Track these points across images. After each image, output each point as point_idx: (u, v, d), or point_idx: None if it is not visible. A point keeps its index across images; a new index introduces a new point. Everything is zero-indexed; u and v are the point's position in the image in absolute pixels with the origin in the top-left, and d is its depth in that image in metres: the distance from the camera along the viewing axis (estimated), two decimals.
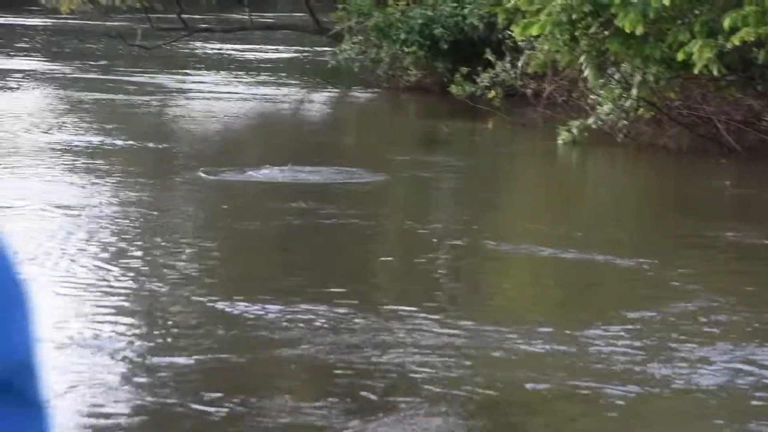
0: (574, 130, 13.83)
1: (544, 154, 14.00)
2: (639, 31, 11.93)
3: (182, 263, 8.01)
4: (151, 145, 13.34)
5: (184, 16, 21.89)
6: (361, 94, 19.81)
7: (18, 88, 18.55)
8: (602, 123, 13.77)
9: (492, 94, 16.58)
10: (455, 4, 18.54)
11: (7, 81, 19.38)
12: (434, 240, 8.97)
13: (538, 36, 13.72)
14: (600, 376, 5.90)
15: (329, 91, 20.15)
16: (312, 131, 16.31)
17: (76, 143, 12.99)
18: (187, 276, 7.69)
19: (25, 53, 24.02)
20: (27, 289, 0.74)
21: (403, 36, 18.50)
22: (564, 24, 12.66)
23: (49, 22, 27.33)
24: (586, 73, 13.35)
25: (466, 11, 18.30)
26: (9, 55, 23.52)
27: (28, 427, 0.71)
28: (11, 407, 0.70)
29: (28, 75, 20.46)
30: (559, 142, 13.84)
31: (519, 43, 16.73)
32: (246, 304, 6.89)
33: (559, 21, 12.78)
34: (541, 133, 14.95)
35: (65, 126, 14.61)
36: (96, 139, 13.38)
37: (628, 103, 13.49)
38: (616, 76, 13.52)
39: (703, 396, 5.73)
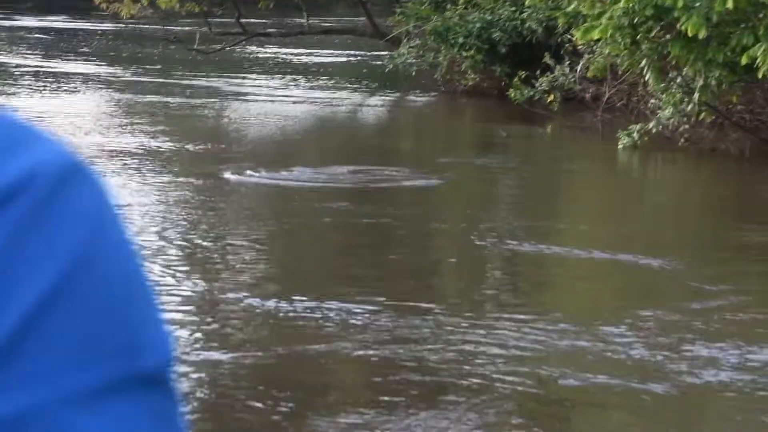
0: (635, 135, 13.71)
1: (604, 158, 13.89)
2: (702, 34, 11.79)
3: (226, 261, 8.08)
4: (203, 146, 13.41)
5: (242, 20, 21.97)
6: (418, 98, 19.78)
7: (78, 91, 18.73)
8: (663, 127, 13.65)
9: (550, 98, 16.49)
10: (514, 8, 18.46)
11: (69, 83, 19.57)
12: (482, 241, 8.94)
13: (598, 40, 13.63)
14: (633, 372, 5.90)
15: (386, 95, 20.15)
16: (368, 134, 16.32)
17: (132, 144, 13.11)
18: (230, 274, 7.76)
19: (85, 57, 24.23)
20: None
21: (461, 40, 18.45)
22: (625, 28, 12.55)
23: (110, 26, 27.62)
24: (648, 77, 13.23)
25: (524, 15, 18.20)
26: (70, 59, 23.74)
27: (179, 421, 0.70)
28: (167, 403, 0.70)
29: (89, 78, 20.64)
30: (620, 146, 13.72)
31: (578, 47, 16.66)
32: (289, 301, 6.99)
33: (621, 25, 12.66)
34: (601, 137, 14.84)
35: (122, 128, 14.73)
36: (150, 141, 13.47)
37: (689, 108, 13.35)
38: (678, 80, 13.38)
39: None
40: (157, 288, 7.02)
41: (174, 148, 13.05)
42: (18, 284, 0.66)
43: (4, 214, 0.67)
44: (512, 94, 16.80)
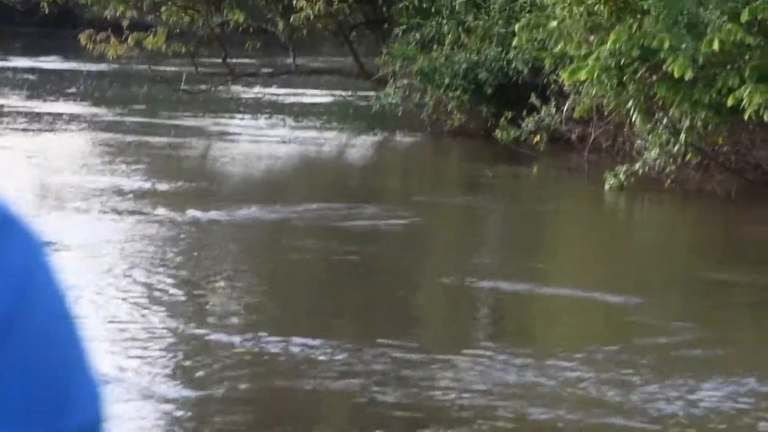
0: (621, 175, 13.72)
1: (590, 198, 13.90)
2: (688, 76, 11.83)
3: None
4: (182, 184, 13.40)
5: (228, 60, 22.00)
6: (404, 138, 19.81)
7: (60, 131, 18.70)
8: (649, 168, 13.66)
9: (536, 138, 16.50)
10: (500, 49, 18.50)
11: (51, 123, 19.55)
12: (454, 280, 8.92)
13: (584, 81, 13.65)
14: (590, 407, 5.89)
15: (372, 135, 20.16)
16: (352, 173, 16.31)
17: (106, 183, 13.11)
18: (196, 311, 7.75)
19: (70, 97, 24.21)
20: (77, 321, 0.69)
21: (447, 80, 18.48)
22: (612, 69, 12.59)
23: (96, 67, 27.62)
24: (634, 117, 13.25)
25: (510, 56, 18.24)
26: (53, 99, 23.73)
27: None
28: None
29: (72, 118, 20.61)
30: (606, 187, 13.73)
31: (564, 87, 16.70)
32: (256, 338, 7.02)
33: (607, 66, 12.71)
34: (587, 177, 14.86)
35: (100, 167, 14.71)
36: (126, 180, 13.45)
37: (675, 148, 13.37)
38: (664, 121, 13.40)
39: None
40: (123, 324, 7.07)
41: (149, 187, 13.03)
42: None
43: None
44: (499, 135, 16.79)
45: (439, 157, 18.68)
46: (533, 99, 16.98)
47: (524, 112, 16.91)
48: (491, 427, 5.75)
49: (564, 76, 13.04)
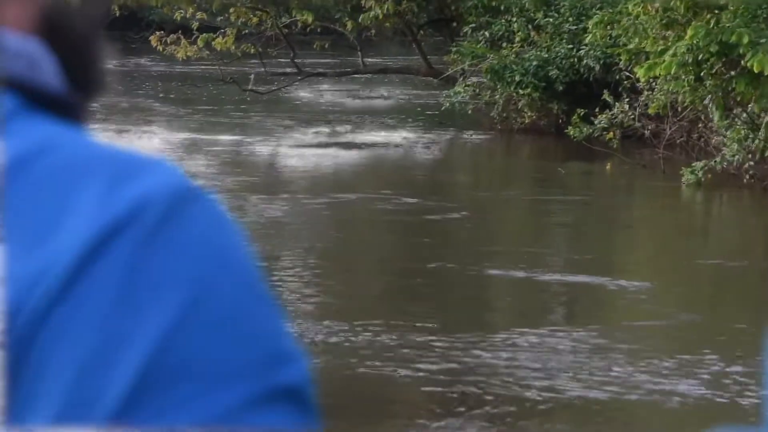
0: (699, 172, 13.65)
1: (667, 195, 13.83)
2: (767, 71, 11.74)
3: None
4: (262, 178, 13.54)
5: (297, 60, 22.13)
6: (474, 136, 19.80)
7: (130, 131, 18.97)
8: (727, 164, 13.58)
9: (610, 135, 16.45)
10: (570, 46, 18.47)
11: (122, 120, 19.81)
12: (529, 272, 8.94)
13: (660, 77, 13.60)
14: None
15: (442, 133, 20.18)
16: (421, 170, 16.35)
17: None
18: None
19: (142, 97, 24.49)
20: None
21: (517, 78, 18.47)
22: (689, 65, 12.52)
23: (164, 68, 27.90)
24: (712, 113, 13.18)
25: (581, 53, 18.21)
26: (123, 98, 24.01)
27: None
28: (309, 416, 0.69)
29: (144, 117, 20.86)
30: (683, 183, 13.66)
31: (636, 83, 16.65)
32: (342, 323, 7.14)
33: (685, 62, 12.64)
34: (662, 174, 14.80)
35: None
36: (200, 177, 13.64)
37: (754, 144, 13.28)
38: (743, 116, 13.31)
39: None
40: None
41: (226, 185, 13.21)
42: (143, 317, 0.65)
43: (118, 247, 0.66)
44: (571, 132, 16.76)
45: (510, 155, 18.68)
46: (606, 96, 16.94)
47: (596, 109, 16.90)
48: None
49: (640, 72, 12.99)
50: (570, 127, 16.89)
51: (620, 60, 14.98)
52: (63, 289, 0.65)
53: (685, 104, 14.27)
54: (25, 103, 0.70)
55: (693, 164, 13.78)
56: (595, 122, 16.72)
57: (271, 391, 0.66)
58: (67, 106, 0.73)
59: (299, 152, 17.39)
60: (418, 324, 7.48)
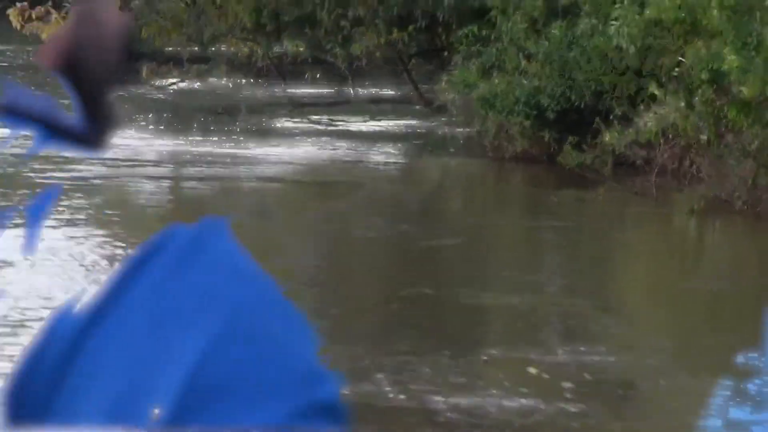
0: (693, 202, 13.70)
1: (660, 221, 13.87)
2: (757, 96, 11.80)
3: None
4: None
5: (288, 90, 22.16)
6: (465, 164, 19.81)
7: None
8: (719, 191, 13.62)
9: (604, 163, 16.52)
10: (560, 73, 18.52)
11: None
12: (523, 298, 8.93)
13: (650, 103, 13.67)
14: None
15: (432, 160, 20.19)
16: (410, 197, 16.33)
17: None
18: None
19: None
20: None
21: (509, 106, 18.51)
22: (680, 92, 12.59)
23: (155, 97, 27.90)
24: (704, 140, 13.24)
25: (571, 82, 18.26)
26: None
27: None
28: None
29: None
30: (676, 210, 13.70)
31: (626, 111, 16.76)
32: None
33: (674, 90, 12.71)
34: (655, 201, 14.83)
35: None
36: None
37: (746, 171, 13.33)
38: (736, 144, 13.38)
39: None
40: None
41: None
42: (185, 333, 0.56)
43: (152, 270, 0.66)
44: (563, 159, 16.81)
45: (501, 182, 18.70)
46: (598, 123, 17.03)
47: (588, 137, 16.96)
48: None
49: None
50: (561, 155, 16.94)
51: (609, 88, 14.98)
52: (101, 310, 0.67)
53: (678, 131, 14.33)
54: (47, 134, 0.73)
55: (684, 190, 13.81)
56: (587, 150, 16.79)
57: (310, 407, 0.68)
58: (82, 137, 0.76)
59: (292, 177, 17.39)
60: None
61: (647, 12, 13.54)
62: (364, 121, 24.55)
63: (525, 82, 18.68)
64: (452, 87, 19.78)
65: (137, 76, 22.82)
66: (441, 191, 17.91)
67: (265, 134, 22.66)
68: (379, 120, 24.66)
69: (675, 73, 12.55)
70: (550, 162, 18.62)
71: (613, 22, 14.75)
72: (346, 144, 21.84)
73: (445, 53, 21.83)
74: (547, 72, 18.60)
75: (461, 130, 19.68)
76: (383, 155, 20.52)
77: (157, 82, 21.79)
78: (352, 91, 22.27)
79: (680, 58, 12.38)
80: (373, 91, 25.35)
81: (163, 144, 21.95)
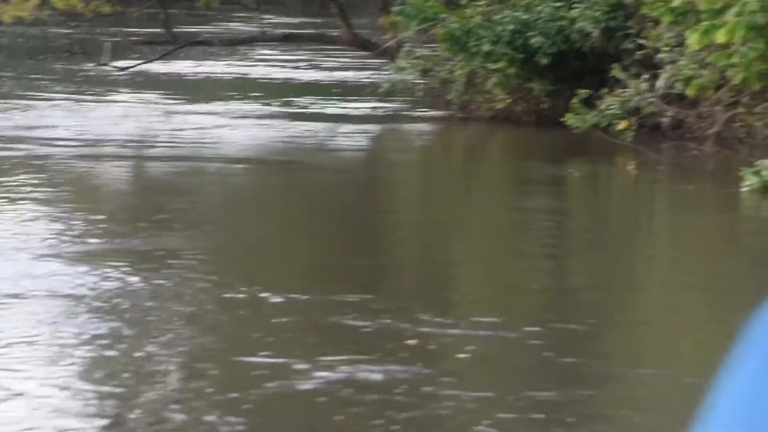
0: (765, 172, 13.28)
1: (728, 205, 13.47)
2: None
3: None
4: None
5: (171, 26, 21.43)
6: (424, 127, 19.33)
7: None
8: None
9: (622, 124, 16.11)
10: (559, 4, 18.05)
11: None
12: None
13: (700, 48, 13.23)
14: None
15: (377, 124, 19.62)
16: (350, 182, 15.60)
17: None
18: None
19: None
20: None
21: (486, 47, 17.98)
22: (765, 28, 12.17)
23: None
24: None
25: (574, 12, 17.80)
26: None
27: None
28: None
29: None
30: (745, 188, 13.26)
31: (656, 55, 16.38)
32: None
33: (754, 24, 12.27)
34: (710, 176, 14.51)
35: None
36: None
37: None
38: None
39: None
40: None
41: None
42: None
43: None
44: (571, 120, 16.34)
45: (476, 153, 18.19)
46: (617, 71, 16.62)
47: (590, 90, 16.55)
48: None
49: (692, 39, 12.56)
50: (568, 114, 16.49)
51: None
52: None
53: (737, 81, 13.93)
54: None
55: (757, 162, 13.43)
56: (602, 108, 16.38)
57: None
58: None
59: (195, 149, 16.69)
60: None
61: None
62: (276, 67, 23.89)
63: (508, 13, 18.20)
64: (405, 21, 19.18)
65: None
66: (390, 167, 17.27)
67: (141, 84, 21.98)
68: (294, 64, 24.02)
69: (755, 5, 12.07)
70: (540, 124, 18.19)
71: None
72: (249, 100, 21.18)
73: None
74: (538, 0, 18.19)
75: (416, 81, 19.08)
76: (302, 118, 19.87)
77: None
78: (260, 26, 21.57)
79: None
80: (289, 26, 24.65)
81: None
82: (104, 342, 8.11)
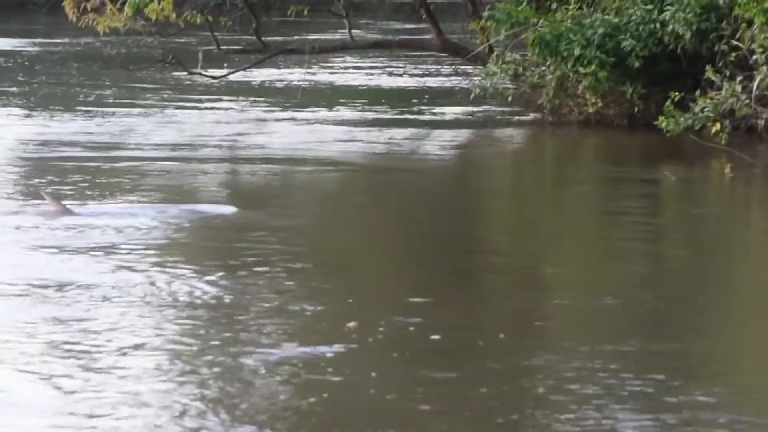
0: None
1: None
2: None
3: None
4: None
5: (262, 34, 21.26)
6: (514, 131, 19.03)
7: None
8: None
9: (716, 127, 15.78)
10: (650, 6, 17.69)
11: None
12: None
13: None
14: None
15: (468, 129, 19.36)
16: (441, 188, 15.31)
17: None
18: None
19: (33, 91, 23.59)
20: None
21: (577, 51, 17.69)
22: None
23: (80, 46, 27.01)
24: None
25: (665, 15, 17.44)
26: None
27: None
28: None
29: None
30: None
31: (757, 56, 16.04)
32: None
33: None
34: None
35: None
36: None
37: None
38: None
39: None
40: None
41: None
42: None
43: None
44: (664, 123, 16.05)
45: (568, 157, 17.83)
46: (710, 73, 16.30)
47: (682, 93, 16.24)
48: None
49: None
50: (661, 117, 16.20)
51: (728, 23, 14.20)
52: None
53: None
54: None
55: None
56: (696, 110, 16.05)
57: None
58: None
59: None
60: None
61: None
62: (364, 73, 23.74)
63: (599, 17, 17.89)
64: (496, 25, 18.92)
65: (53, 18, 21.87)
66: (485, 174, 16.93)
67: (234, 92, 21.93)
68: (390, 73, 23.85)
69: None
70: (632, 127, 17.90)
71: None
72: (338, 106, 21.01)
73: None
74: (629, 3, 17.86)
75: (507, 85, 18.80)
76: (389, 125, 19.63)
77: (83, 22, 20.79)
78: (348, 33, 21.30)
79: None
80: (378, 32, 24.49)
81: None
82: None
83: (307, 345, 8.22)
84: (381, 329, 8.57)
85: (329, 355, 8.01)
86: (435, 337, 8.46)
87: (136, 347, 8.12)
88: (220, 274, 9.95)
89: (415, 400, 7.31)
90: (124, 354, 8.00)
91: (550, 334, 8.88)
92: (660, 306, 9.34)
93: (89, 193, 13.63)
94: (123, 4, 20.55)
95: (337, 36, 22.80)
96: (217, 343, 8.26)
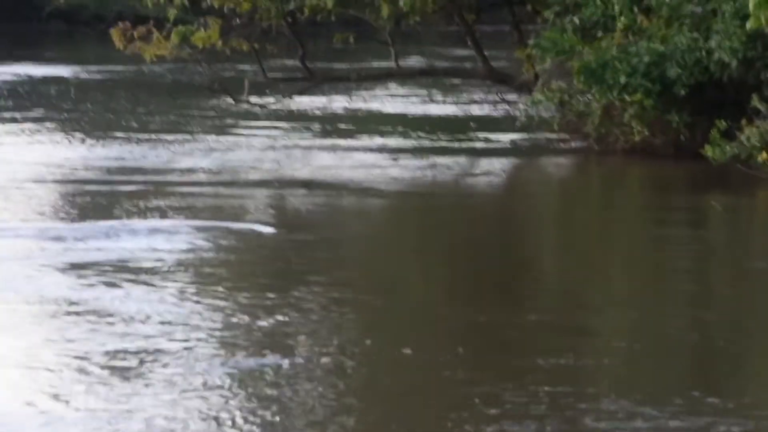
0: None
1: None
2: None
3: None
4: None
5: (307, 61, 21.25)
6: (560, 159, 18.92)
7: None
8: None
9: (764, 156, 15.62)
10: (696, 34, 17.55)
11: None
12: None
13: None
14: None
15: (515, 157, 19.27)
16: (485, 219, 15.20)
17: None
18: None
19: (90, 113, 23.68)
20: None
21: (622, 79, 17.58)
22: None
23: (127, 73, 27.11)
24: None
25: (711, 43, 17.29)
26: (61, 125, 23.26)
27: None
28: None
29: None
30: None
31: None
32: None
33: None
34: None
35: None
36: None
37: None
38: None
39: None
40: None
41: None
42: None
43: None
44: (710, 152, 15.91)
45: (614, 186, 17.70)
46: (756, 102, 16.15)
47: (726, 121, 16.10)
48: None
49: None
50: (707, 146, 16.05)
51: None
52: None
53: None
54: None
55: None
56: (742, 138, 15.89)
57: None
58: None
59: (337, 182, 16.46)
60: None
61: None
62: (411, 102, 23.69)
63: (644, 45, 17.76)
64: (541, 54, 18.81)
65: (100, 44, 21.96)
66: (530, 201, 16.80)
67: (279, 118, 21.94)
68: (436, 101, 23.78)
69: None
70: (679, 156, 17.71)
71: None
72: (383, 134, 20.95)
73: (528, 7, 20.84)
74: (674, 31, 17.73)
75: (553, 113, 18.68)
76: (434, 152, 19.56)
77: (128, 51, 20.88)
78: (394, 61, 21.25)
79: None
80: (423, 61, 24.40)
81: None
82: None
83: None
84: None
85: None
86: None
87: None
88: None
89: None
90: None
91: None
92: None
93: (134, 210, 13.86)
94: (170, 32, 20.71)
95: (383, 64, 22.67)
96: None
